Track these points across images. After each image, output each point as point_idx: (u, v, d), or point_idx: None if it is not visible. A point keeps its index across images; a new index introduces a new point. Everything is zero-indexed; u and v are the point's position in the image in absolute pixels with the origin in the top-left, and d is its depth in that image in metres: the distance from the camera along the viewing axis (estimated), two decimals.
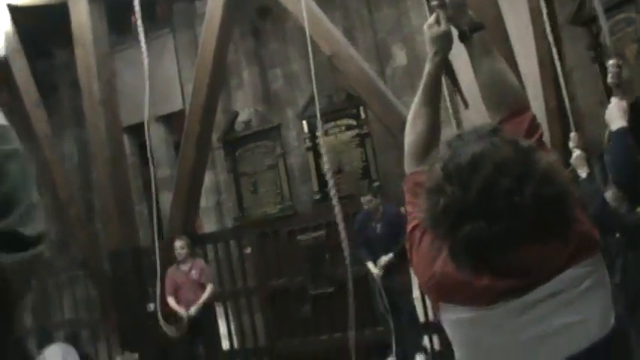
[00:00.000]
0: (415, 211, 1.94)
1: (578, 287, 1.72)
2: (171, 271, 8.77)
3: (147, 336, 9.66)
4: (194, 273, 8.86)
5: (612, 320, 1.74)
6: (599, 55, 8.08)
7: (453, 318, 1.82)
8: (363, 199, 8.13)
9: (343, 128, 9.81)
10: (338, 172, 9.73)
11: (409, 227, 1.99)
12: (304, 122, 10.16)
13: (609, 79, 3.72)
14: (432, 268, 1.83)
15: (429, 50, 2.24)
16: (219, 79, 9.87)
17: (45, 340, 10.04)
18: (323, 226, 9.47)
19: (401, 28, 10.40)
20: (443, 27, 2.22)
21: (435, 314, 1.90)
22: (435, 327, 8.27)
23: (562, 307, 1.70)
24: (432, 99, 2.20)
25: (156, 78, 8.62)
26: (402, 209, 8.77)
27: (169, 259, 8.86)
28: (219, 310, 9.89)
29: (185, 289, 8.80)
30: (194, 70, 9.75)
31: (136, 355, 8.99)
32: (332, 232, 9.38)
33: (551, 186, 1.67)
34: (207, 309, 8.96)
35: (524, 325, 1.71)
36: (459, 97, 2.41)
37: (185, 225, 9.73)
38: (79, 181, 12.41)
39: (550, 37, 5.26)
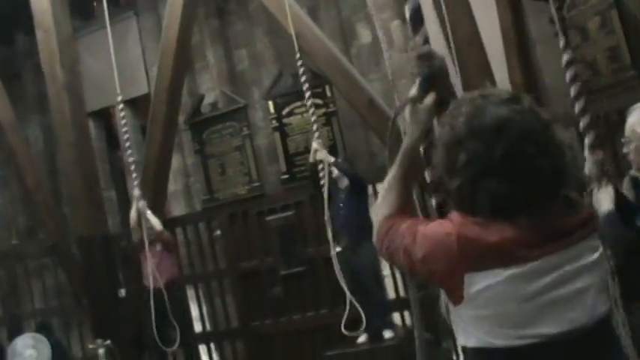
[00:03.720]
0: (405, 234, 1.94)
1: (591, 257, 1.81)
2: (145, 255, 8.57)
3: (119, 322, 9.64)
4: (158, 246, 8.85)
5: (609, 298, 1.85)
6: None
7: (480, 286, 1.75)
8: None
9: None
10: (305, 151, 9.74)
11: (400, 254, 1.94)
12: (270, 102, 10.14)
13: (591, 171, 3.67)
14: (449, 240, 1.77)
15: (409, 124, 2.17)
16: (184, 61, 9.81)
17: (15, 329, 9.98)
18: (292, 206, 9.49)
19: (365, 6, 10.38)
20: (428, 100, 2.14)
21: (453, 296, 1.84)
22: (406, 304, 8.32)
23: (578, 273, 1.77)
24: (409, 174, 2.14)
25: (120, 62, 8.55)
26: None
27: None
28: (191, 293, 9.89)
29: (162, 264, 8.78)
30: (159, 53, 9.69)
31: (109, 342, 8.94)
32: (301, 212, 9.42)
33: (564, 158, 1.81)
34: (178, 294, 8.99)
35: (548, 287, 1.74)
36: None
37: (153, 209, 9.69)
38: (45, 167, 12.29)
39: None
